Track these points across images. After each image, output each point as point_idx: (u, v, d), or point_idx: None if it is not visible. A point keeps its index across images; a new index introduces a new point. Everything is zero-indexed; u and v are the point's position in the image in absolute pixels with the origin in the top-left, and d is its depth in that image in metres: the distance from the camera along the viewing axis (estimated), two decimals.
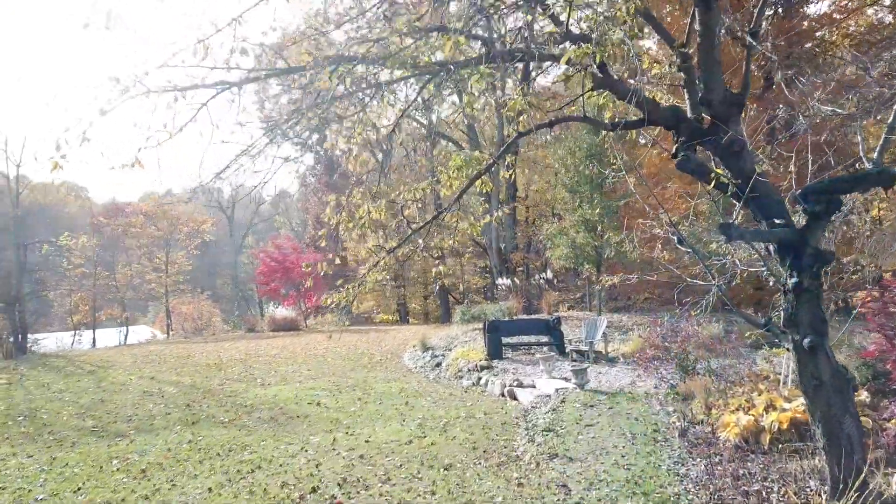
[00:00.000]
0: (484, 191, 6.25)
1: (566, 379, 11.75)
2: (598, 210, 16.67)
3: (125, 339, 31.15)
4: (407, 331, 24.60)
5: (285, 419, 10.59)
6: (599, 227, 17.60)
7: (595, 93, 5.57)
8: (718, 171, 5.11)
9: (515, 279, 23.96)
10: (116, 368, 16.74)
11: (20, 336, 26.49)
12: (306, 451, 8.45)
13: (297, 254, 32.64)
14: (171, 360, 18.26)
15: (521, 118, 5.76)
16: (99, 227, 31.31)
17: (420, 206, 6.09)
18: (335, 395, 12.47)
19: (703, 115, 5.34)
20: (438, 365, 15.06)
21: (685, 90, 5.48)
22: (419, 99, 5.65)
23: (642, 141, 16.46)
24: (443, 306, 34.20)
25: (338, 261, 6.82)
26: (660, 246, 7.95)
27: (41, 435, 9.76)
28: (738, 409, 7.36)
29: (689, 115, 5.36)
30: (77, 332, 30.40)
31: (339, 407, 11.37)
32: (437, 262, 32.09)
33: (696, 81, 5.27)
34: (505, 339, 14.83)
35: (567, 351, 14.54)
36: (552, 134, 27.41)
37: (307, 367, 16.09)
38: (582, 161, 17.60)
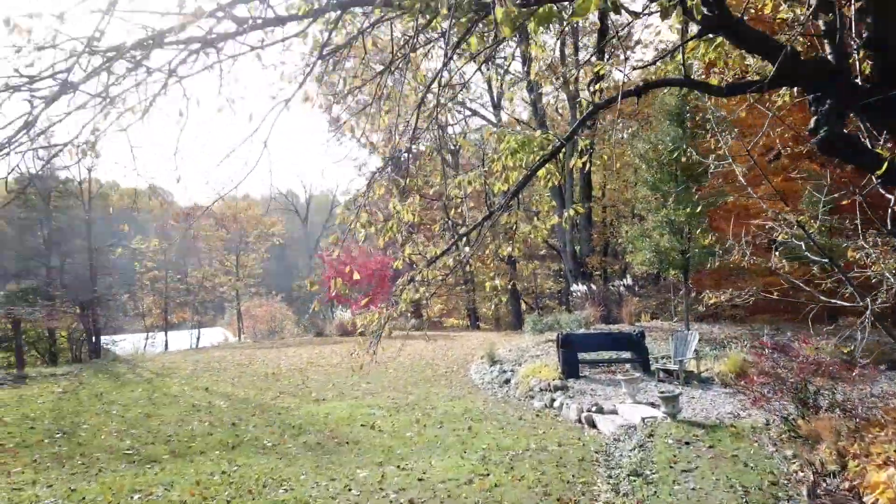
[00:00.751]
0: (550, 185, 4.87)
1: (653, 405, 10.16)
2: (686, 210, 14.84)
3: (197, 342, 31.20)
4: (475, 338, 23.30)
5: (333, 445, 9.48)
6: (687, 229, 15.77)
7: (701, 42, 4.11)
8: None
9: (592, 285, 22.23)
10: (173, 377, 16.17)
11: (94, 338, 26.79)
12: (349, 489, 7.28)
13: (364, 257, 31.87)
14: (230, 369, 17.61)
15: (597, 87, 4.39)
16: (171, 230, 31.56)
17: (474, 203, 4.78)
18: (392, 415, 11.31)
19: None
20: (507, 381, 13.67)
21: (825, 38, 3.97)
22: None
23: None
24: (514, 312, 32.70)
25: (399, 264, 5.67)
26: (776, 255, 6.33)
27: (72, 457, 8.99)
28: (886, 464, 5.69)
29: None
30: (150, 334, 30.68)
31: (395, 431, 10.19)
32: (502, 267, 30.67)
33: (849, 24, 3.76)
34: (581, 355, 13.29)
35: (653, 369, 12.87)
36: (629, 131, 25.56)
37: (367, 378, 15.03)
38: (666, 155, 15.81)
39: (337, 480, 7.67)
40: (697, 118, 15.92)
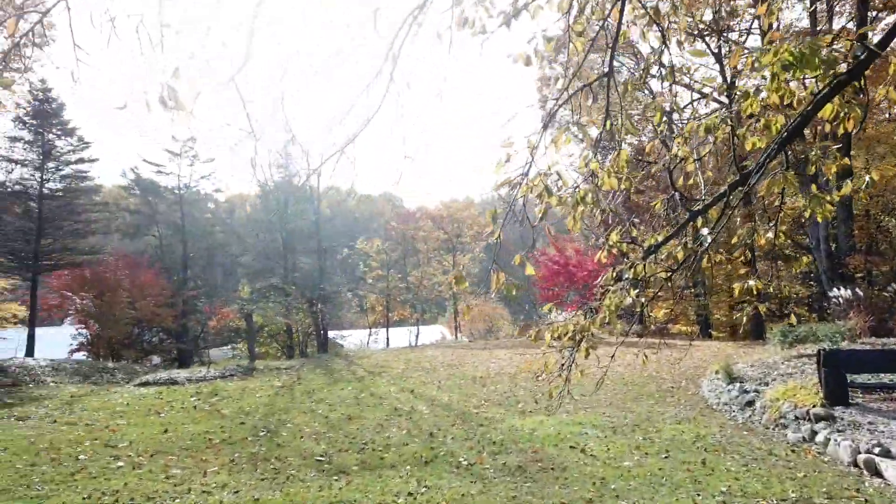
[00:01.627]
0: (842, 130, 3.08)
1: None
2: None
3: (416, 339, 31.88)
4: (707, 349, 20.58)
5: (536, 470, 8.20)
6: None
7: None
8: None
9: (857, 289, 18.42)
10: (383, 376, 16.07)
11: (322, 333, 28.38)
12: None
13: (581, 256, 30.24)
14: (439, 369, 17.17)
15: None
16: (392, 231, 32.63)
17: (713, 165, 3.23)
18: (607, 436, 9.75)
19: None
20: (750, 404, 11.33)
21: None
22: None
23: None
24: (754, 319, 28.75)
25: (603, 257, 4.29)
26: None
27: (267, 460, 8.75)
28: None
29: None
30: (373, 331, 31.98)
31: (610, 457, 8.64)
32: (736, 265, 27.04)
33: None
34: (851, 377, 10.54)
35: None
36: None
37: (581, 389, 13.53)
38: None
39: None
40: None
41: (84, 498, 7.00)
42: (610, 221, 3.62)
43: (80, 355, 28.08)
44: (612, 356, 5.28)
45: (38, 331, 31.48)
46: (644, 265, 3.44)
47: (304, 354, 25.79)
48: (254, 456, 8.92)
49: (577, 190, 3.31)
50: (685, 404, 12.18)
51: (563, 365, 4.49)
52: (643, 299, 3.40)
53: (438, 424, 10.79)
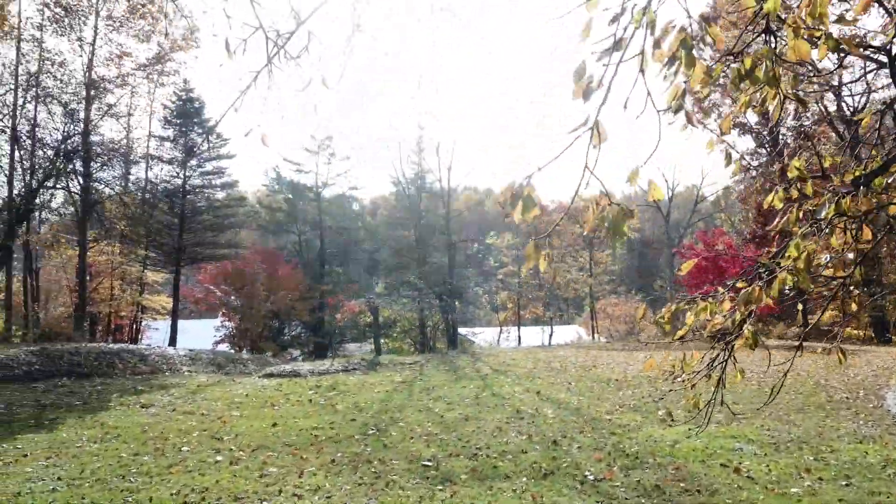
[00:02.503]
0: None
1: None
2: None
3: (549, 339, 30.53)
4: (887, 354, 17.70)
5: (678, 491, 6.79)
6: None
7: None
8: None
9: None
10: (509, 375, 15.03)
11: (451, 330, 27.79)
12: None
13: (732, 251, 27.49)
14: (570, 370, 15.87)
15: None
16: (524, 226, 31.40)
17: None
18: (767, 454, 8.10)
19: None
20: None
21: None
22: None
23: None
24: None
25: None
26: None
27: (369, 462, 7.97)
28: None
29: None
30: (504, 328, 30.94)
31: (772, 481, 7.05)
32: None
33: None
34: None
35: None
36: None
37: (732, 398, 11.74)
38: None
39: None
40: None
41: (172, 494, 6.55)
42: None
43: (224, 347, 29.46)
44: (798, 351, 3.86)
45: (190, 323, 33.46)
46: (805, 245, 2.19)
47: (433, 350, 25.32)
48: (356, 456, 8.19)
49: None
50: (865, 419, 10.12)
51: (712, 362, 3.27)
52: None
53: (564, 431, 9.58)
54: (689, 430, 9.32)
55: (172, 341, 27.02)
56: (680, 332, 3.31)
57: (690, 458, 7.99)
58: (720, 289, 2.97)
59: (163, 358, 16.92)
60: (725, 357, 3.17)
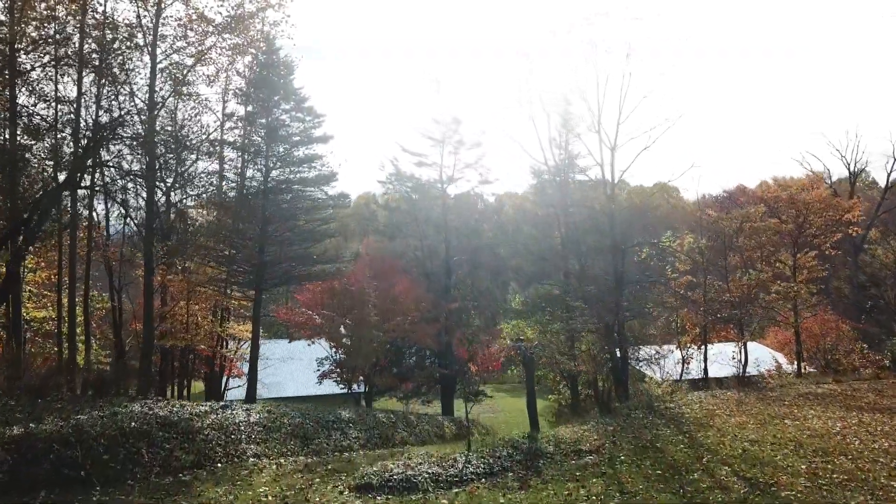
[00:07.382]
0: None
1: None
2: None
3: (743, 369, 22.75)
4: None
5: None
6: None
7: None
8: None
9: None
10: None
11: (619, 366, 20.84)
12: None
13: None
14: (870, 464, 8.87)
15: None
16: (705, 223, 23.94)
17: None
18: None
19: None
20: None
21: None
22: None
23: None
24: None
25: None
26: None
27: None
28: None
29: None
30: (686, 351, 23.50)
31: None
32: None
33: None
34: None
35: None
36: None
37: None
38: None
39: None
40: None
41: None
42: None
43: (330, 382, 24.42)
44: None
45: (299, 345, 28.84)
46: None
47: (605, 405, 18.56)
48: None
49: None
50: None
51: None
52: None
53: None
54: None
55: (251, 391, 21.45)
56: None
57: None
58: None
59: (220, 431, 11.52)
60: None
